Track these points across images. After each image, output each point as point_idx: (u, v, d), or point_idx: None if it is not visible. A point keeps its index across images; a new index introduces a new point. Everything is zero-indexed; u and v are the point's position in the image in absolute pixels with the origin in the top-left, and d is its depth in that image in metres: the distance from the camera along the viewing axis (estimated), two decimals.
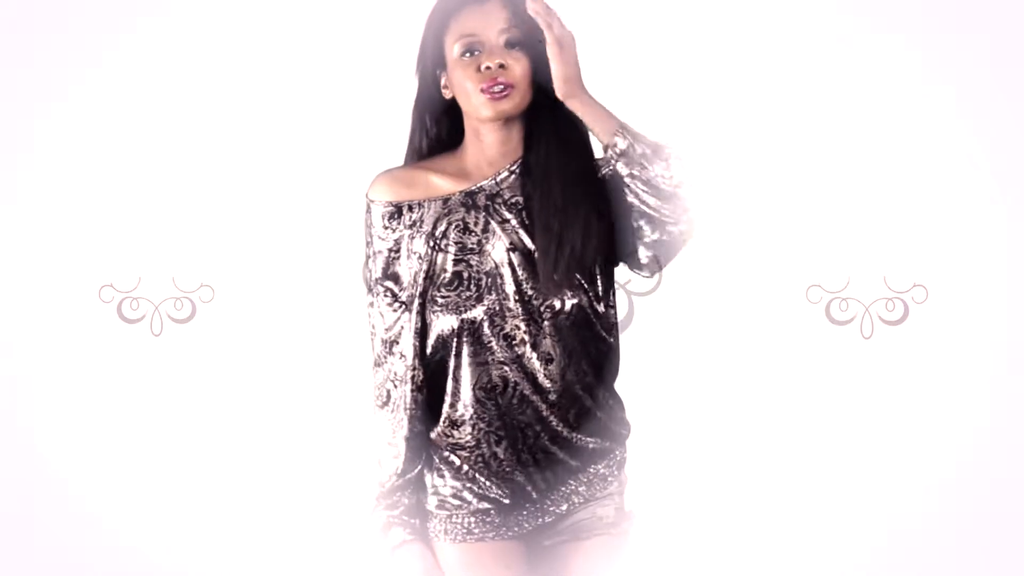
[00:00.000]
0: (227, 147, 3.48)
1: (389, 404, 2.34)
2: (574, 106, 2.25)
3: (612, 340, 2.36)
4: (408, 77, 2.42)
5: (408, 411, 2.32)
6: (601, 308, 2.32)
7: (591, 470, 2.36)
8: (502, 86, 2.25)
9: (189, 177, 3.49)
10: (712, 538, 3.46)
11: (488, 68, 2.26)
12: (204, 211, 3.50)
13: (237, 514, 3.48)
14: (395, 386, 2.33)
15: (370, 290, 2.36)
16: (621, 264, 2.36)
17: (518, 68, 2.26)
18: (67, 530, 3.45)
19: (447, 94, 2.33)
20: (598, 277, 2.31)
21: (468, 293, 2.28)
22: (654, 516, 3.39)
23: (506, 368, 2.28)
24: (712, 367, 3.52)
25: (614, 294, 2.37)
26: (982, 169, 3.42)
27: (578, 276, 2.28)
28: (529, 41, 2.27)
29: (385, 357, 2.34)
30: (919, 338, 3.47)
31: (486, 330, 2.28)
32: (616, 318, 2.37)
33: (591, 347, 2.32)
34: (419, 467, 2.34)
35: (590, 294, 2.30)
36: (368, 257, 2.36)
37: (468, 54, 2.28)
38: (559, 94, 2.24)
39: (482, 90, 2.25)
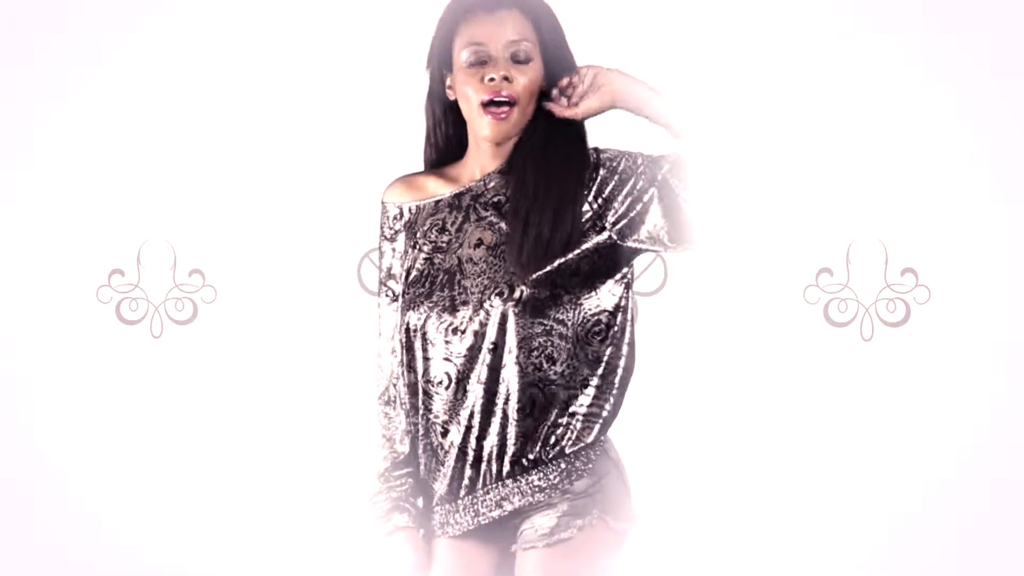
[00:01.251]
0: (229, 147, 3.48)
1: (389, 401, 2.40)
2: (655, 118, 2.31)
3: (580, 338, 2.29)
4: (413, 79, 2.43)
5: (404, 406, 2.37)
6: (571, 309, 2.29)
7: (521, 479, 2.30)
8: (505, 105, 2.26)
9: (190, 177, 3.49)
10: (711, 539, 3.47)
11: (492, 80, 2.27)
12: (206, 211, 3.50)
13: (237, 517, 3.48)
14: (392, 384, 2.38)
15: (379, 292, 2.42)
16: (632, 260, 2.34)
17: (522, 81, 2.28)
18: (67, 531, 3.45)
19: (451, 95, 2.35)
20: (574, 275, 2.28)
21: (421, 290, 2.32)
22: (652, 516, 3.41)
23: (448, 363, 2.28)
24: (708, 369, 3.52)
25: (605, 308, 2.32)
26: (982, 169, 3.42)
27: (547, 268, 2.26)
28: (537, 55, 2.29)
29: (385, 355, 2.40)
30: (921, 340, 3.47)
31: (432, 325, 2.29)
32: (609, 328, 2.31)
33: (544, 340, 2.27)
34: (416, 458, 2.38)
35: (556, 287, 2.28)
36: (380, 258, 2.43)
37: (474, 62, 2.29)
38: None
39: (483, 105, 2.26)
